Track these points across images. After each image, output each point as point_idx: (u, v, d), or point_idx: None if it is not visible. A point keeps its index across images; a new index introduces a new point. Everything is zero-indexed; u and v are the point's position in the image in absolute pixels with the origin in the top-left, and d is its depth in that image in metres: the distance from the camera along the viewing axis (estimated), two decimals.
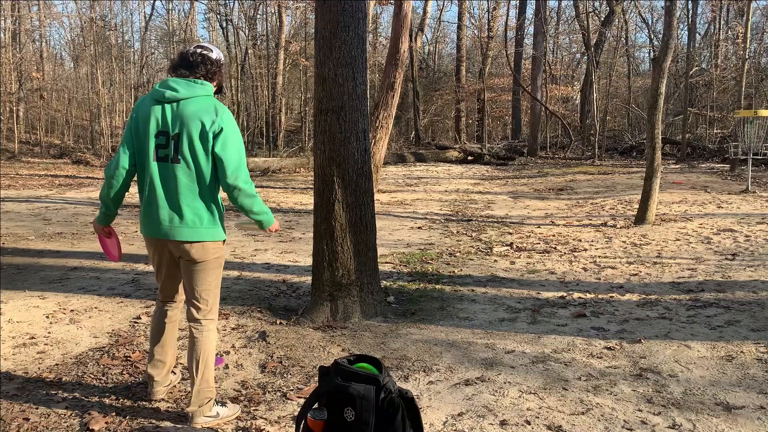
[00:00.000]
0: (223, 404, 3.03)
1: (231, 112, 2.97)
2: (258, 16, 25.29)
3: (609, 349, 3.92)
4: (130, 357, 3.77)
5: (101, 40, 22.09)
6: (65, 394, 3.24)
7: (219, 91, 3.06)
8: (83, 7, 23.27)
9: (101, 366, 3.62)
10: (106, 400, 3.17)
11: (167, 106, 2.81)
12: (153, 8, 27.90)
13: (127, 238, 7.48)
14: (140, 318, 4.48)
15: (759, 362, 3.65)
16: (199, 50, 2.93)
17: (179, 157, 2.79)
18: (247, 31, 25.15)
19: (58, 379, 3.43)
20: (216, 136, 2.78)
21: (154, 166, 2.81)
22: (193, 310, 2.96)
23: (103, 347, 3.93)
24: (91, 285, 5.34)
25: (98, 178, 14.36)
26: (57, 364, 3.65)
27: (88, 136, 21.48)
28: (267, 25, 25.61)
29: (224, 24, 27.12)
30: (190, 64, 2.88)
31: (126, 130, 2.93)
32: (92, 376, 3.48)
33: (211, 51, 2.95)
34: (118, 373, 3.54)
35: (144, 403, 3.15)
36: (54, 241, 7.25)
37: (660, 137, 8.33)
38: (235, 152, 2.82)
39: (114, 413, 3.03)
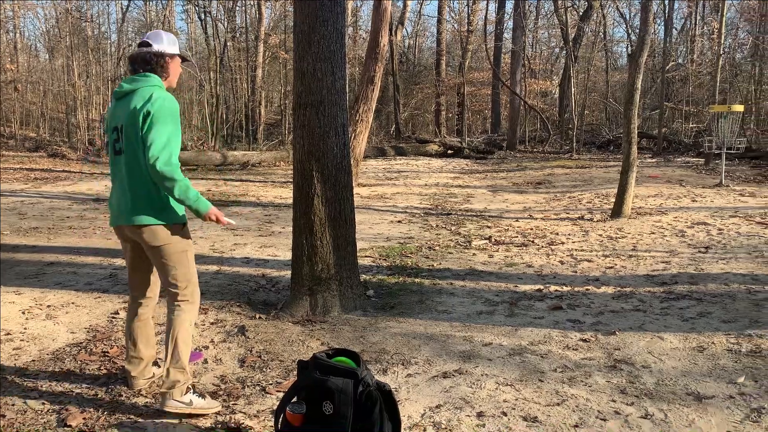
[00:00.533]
0: (202, 396, 3.03)
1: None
2: (237, 9, 25.08)
3: (584, 341, 3.99)
4: (108, 352, 3.75)
5: (77, 32, 21.75)
6: (42, 390, 3.22)
7: (185, 60, 3.22)
8: None
9: (79, 362, 3.60)
10: (84, 396, 3.16)
11: (117, 102, 3.01)
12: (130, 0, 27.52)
13: (105, 232, 7.41)
14: (118, 313, 4.46)
15: (729, 353, 3.74)
16: (138, 50, 3.06)
17: (124, 147, 2.94)
18: (226, 24, 24.93)
19: (34, 376, 3.41)
20: (144, 119, 2.87)
21: (114, 160, 3.03)
22: (169, 295, 3.05)
23: (81, 343, 3.91)
24: (68, 280, 5.29)
25: (75, 172, 14.18)
26: (33, 360, 3.62)
27: (64, 129, 21.17)
28: (246, 18, 25.40)
29: (203, 16, 26.84)
30: (134, 63, 3.04)
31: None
32: (70, 372, 3.46)
33: (149, 45, 3.03)
34: (95, 368, 3.52)
35: (122, 397, 3.15)
36: (30, 235, 7.17)
37: (636, 132, 8.45)
38: (157, 134, 2.83)
39: (92, 408, 3.03)
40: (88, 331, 4.11)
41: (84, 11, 23.37)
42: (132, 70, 3.04)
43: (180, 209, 3.01)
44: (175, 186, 2.83)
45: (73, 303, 4.66)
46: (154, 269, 3.16)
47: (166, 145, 2.83)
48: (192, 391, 2.99)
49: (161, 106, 2.87)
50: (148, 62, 3.00)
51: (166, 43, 3.06)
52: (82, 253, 6.30)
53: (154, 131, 2.83)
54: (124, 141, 2.92)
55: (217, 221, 2.99)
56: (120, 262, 5.95)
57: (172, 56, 3.08)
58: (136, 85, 2.96)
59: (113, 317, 4.39)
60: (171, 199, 2.94)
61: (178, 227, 3.00)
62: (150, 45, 3.02)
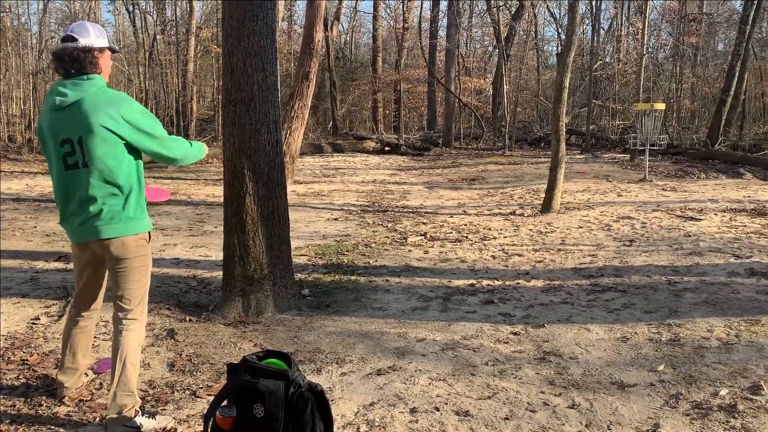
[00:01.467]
0: (152, 416, 2.89)
1: (132, 96, 2.89)
2: (167, 1, 24.37)
3: (515, 334, 4.09)
4: (27, 360, 3.58)
5: None
6: None
7: (113, 51, 2.97)
8: None
9: None
10: (1, 407, 3.00)
11: (63, 112, 2.73)
12: None
13: (25, 234, 7.07)
14: (39, 319, 4.26)
15: (650, 342, 3.91)
16: (63, 45, 2.77)
17: (87, 160, 2.71)
18: (155, 16, 24.19)
19: None
20: (126, 128, 2.74)
21: (66, 176, 2.77)
22: (117, 310, 2.89)
23: None
24: None
25: None
26: None
27: None
28: (177, 10, 24.72)
29: (131, 8, 25.96)
30: (60, 61, 2.75)
31: (40, 141, 2.92)
32: None
33: (75, 39, 2.76)
34: (14, 377, 3.35)
35: (43, 407, 3.01)
36: None
37: (564, 129, 8.70)
38: (156, 135, 2.85)
39: (8, 421, 2.88)
40: (5, 339, 3.91)
41: (1, 2, 22.20)
42: (59, 67, 2.75)
43: (147, 219, 2.90)
44: (194, 153, 3.07)
45: None
46: (105, 282, 3.06)
47: (167, 140, 2.90)
48: (141, 413, 2.85)
49: (130, 107, 2.78)
50: (76, 59, 2.73)
51: (93, 36, 2.80)
52: (0, 256, 5.99)
53: (155, 135, 2.85)
54: (86, 154, 2.70)
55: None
56: (41, 265, 5.69)
57: (101, 50, 2.83)
58: (82, 92, 2.71)
59: (33, 323, 4.19)
60: (138, 208, 2.85)
61: (146, 237, 2.90)
62: (76, 39, 2.76)
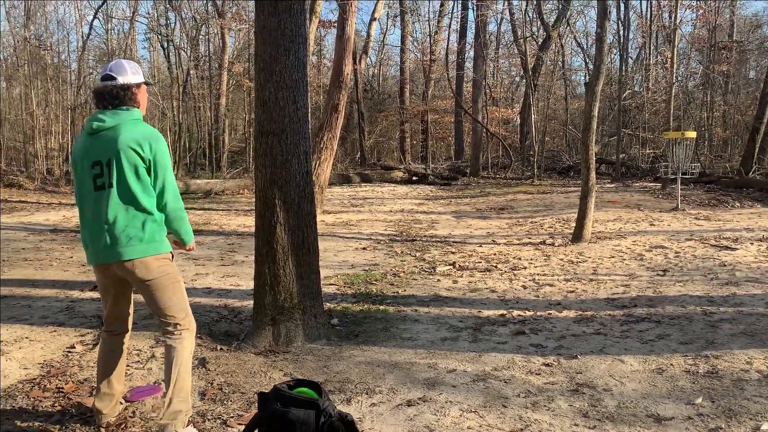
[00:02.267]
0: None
1: (165, 133, 3.01)
2: (200, 37, 25.08)
3: (547, 365, 4.02)
4: (62, 388, 3.63)
5: (36, 60, 21.42)
6: None
7: (148, 84, 3.16)
8: (16, 25, 22.55)
9: (31, 399, 3.48)
10: None
11: (97, 137, 2.90)
12: (91, 27, 27.24)
13: (62, 264, 7.23)
14: (74, 347, 4.33)
15: (687, 374, 3.81)
16: (102, 84, 2.97)
17: (112, 182, 2.85)
18: (189, 52, 24.86)
19: None
20: (149, 154, 2.87)
21: (92, 196, 2.90)
22: (164, 326, 3.00)
23: (34, 379, 3.78)
24: (22, 314, 5.13)
25: (31, 202, 13.85)
26: None
27: (21, 159, 20.69)
28: (210, 46, 25.41)
29: (165, 44, 26.76)
30: (101, 99, 2.95)
31: (72, 167, 3.07)
32: (22, 410, 3.34)
33: (114, 78, 2.95)
34: (49, 405, 3.40)
35: None
36: None
37: (594, 158, 8.66)
38: (167, 173, 2.95)
39: None
40: (42, 367, 3.98)
41: (43, 39, 23.06)
42: (99, 104, 2.94)
43: (167, 242, 3.00)
44: (184, 218, 3.03)
45: (27, 338, 4.52)
46: (132, 302, 3.15)
47: (175, 186, 2.98)
48: (192, 424, 2.95)
49: (162, 146, 2.93)
50: (115, 97, 2.92)
51: (130, 74, 2.99)
52: (38, 285, 6.13)
53: (164, 170, 2.92)
54: (114, 175, 2.84)
55: (189, 250, 3.20)
56: (77, 294, 5.80)
57: (138, 86, 3.03)
58: (119, 119, 2.89)
59: (69, 351, 4.26)
60: (159, 231, 2.95)
61: (168, 256, 2.99)
62: (114, 78, 2.95)
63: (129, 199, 2.86)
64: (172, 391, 2.88)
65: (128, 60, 3.15)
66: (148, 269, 2.89)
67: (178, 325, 2.98)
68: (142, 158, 2.86)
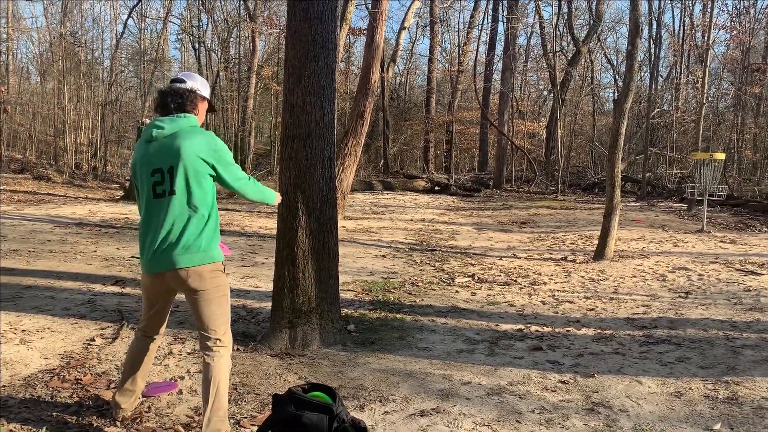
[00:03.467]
0: None
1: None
2: (231, 40, 25.38)
3: (563, 382, 3.98)
4: (81, 380, 3.69)
5: (70, 56, 21.85)
6: (10, 417, 3.15)
7: (211, 110, 3.23)
8: (53, 22, 23.03)
9: (50, 388, 3.54)
10: (54, 424, 3.10)
11: (156, 144, 2.90)
12: (125, 26, 27.70)
13: (86, 257, 7.34)
14: (94, 340, 4.40)
15: (706, 399, 3.75)
16: (171, 85, 3.04)
17: (174, 189, 2.85)
18: (219, 54, 25.18)
19: (3, 402, 3.34)
20: (213, 166, 2.90)
21: (153, 203, 2.90)
22: (204, 340, 2.96)
23: (54, 369, 3.84)
24: (45, 305, 5.22)
25: (59, 195, 14.10)
26: (3, 386, 3.55)
27: (51, 152, 21.09)
28: (240, 49, 25.70)
29: (197, 45, 27.14)
30: (166, 101, 2.98)
31: (132, 175, 3.10)
32: (40, 399, 3.39)
33: (183, 81, 3.03)
34: (67, 395, 3.46)
35: (93, 427, 3.08)
36: (8, 258, 7.08)
37: (620, 176, 8.57)
38: (235, 170, 3.01)
39: None
40: (62, 358, 4.04)
41: (78, 36, 23.52)
42: (160, 105, 2.98)
43: (219, 250, 3.00)
44: (265, 195, 3.21)
45: (48, 328, 4.59)
46: (171, 306, 3.17)
47: (242, 176, 3.05)
48: None
49: (223, 149, 2.95)
50: (180, 95, 2.97)
51: (199, 84, 3.09)
52: (62, 277, 6.23)
53: (226, 165, 2.96)
54: (176, 182, 2.84)
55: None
56: (99, 288, 5.89)
57: (203, 98, 3.09)
58: (178, 126, 2.91)
59: (89, 344, 4.32)
60: (214, 240, 2.96)
61: (221, 267, 2.98)
62: (184, 81, 3.04)
63: (188, 207, 2.86)
64: (210, 410, 2.84)
65: (200, 75, 3.24)
66: (201, 279, 2.88)
67: (218, 341, 2.94)
68: (205, 160, 2.87)
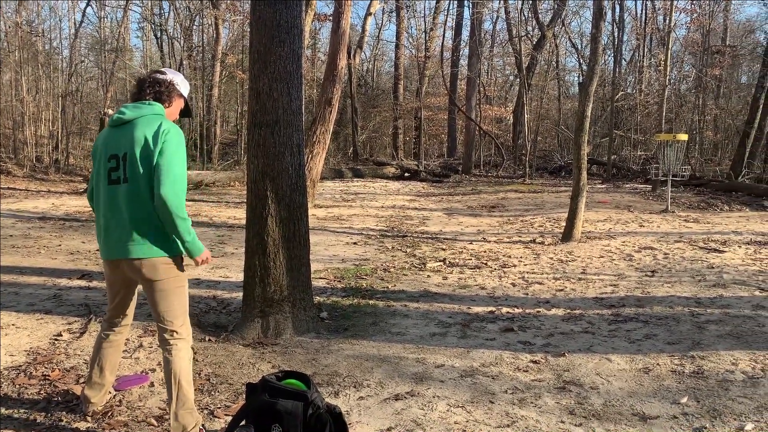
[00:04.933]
0: None
1: (180, 131, 2.91)
2: (194, 27, 24.93)
3: (534, 362, 4.04)
4: (48, 376, 3.61)
5: (27, 46, 21.22)
6: None
7: (186, 114, 3.13)
8: (8, 11, 22.33)
9: (17, 386, 3.46)
10: (21, 421, 3.03)
11: (117, 130, 2.84)
12: (84, 15, 26.98)
13: (50, 251, 7.18)
14: (61, 335, 4.31)
15: (673, 374, 3.84)
16: (151, 74, 2.98)
17: (127, 176, 2.77)
18: (182, 42, 24.72)
19: None
20: (156, 148, 2.74)
21: (107, 190, 2.82)
22: (161, 332, 2.89)
23: (20, 366, 3.75)
24: (9, 301, 5.09)
25: (20, 189, 13.74)
26: None
27: (10, 145, 20.52)
28: (203, 37, 25.26)
29: (159, 34, 26.60)
30: (142, 87, 2.92)
31: (93, 160, 2.98)
32: (7, 397, 3.31)
33: (164, 73, 2.97)
34: (35, 392, 3.38)
35: (62, 422, 3.03)
36: None
37: (585, 158, 8.68)
38: (170, 168, 2.72)
39: None
40: (28, 354, 3.95)
41: (35, 25, 22.85)
42: (137, 90, 2.92)
43: (176, 241, 2.89)
44: (179, 223, 2.76)
45: (13, 324, 4.49)
46: (136, 298, 3.12)
47: (177, 180, 2.74)
48: (204, 430, 2.90)
49: (173, 138, 2.77)
50: (157, 83, 2.91)
51: (180, 80, 3.03)
52: (26, 272, 6.09)
53: (167, 164, 2.72)
54: (128, 170, 2.75)
55: (203, 263, 3.01)
56: (65, 282, 5.77)
57: (180, 95, 3.02)
58: (140, 113, 2.83)
59: (56, 339, 4.23)
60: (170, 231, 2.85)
61: (179, 260, 2.91)
62: (164, 74, 2.98)
63: (142, 195, 2.76)
64: (175, 404, 2.80)
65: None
66: (155, 270, 2.81)
67: (174, 333, 2.88)
68: (154, 145, 2.74)
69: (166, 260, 2.84)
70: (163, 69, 3.03)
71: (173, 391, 2.81)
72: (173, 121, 2.97)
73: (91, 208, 2.95)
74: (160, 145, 2.74)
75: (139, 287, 3.06)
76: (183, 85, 3.05)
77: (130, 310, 3.15)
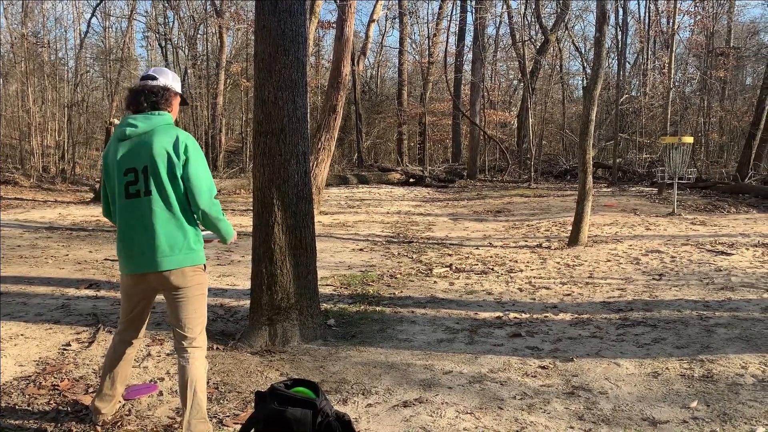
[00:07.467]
0: None
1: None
2: (198, 36, 25.07)
3: (543, 368, 4.03)
4: (57, 386, 3.62)
5: (33, 57, 21.37)
6: None
7: (183, 103, 3.15)
8: (14, 22, 22.49)
9: (26, 396, 3.47)
10: (31, 431, 3.04)
11: (128, 142, 2.84)
12: (89, 25, 27.18)
13: (58, 261, 7.21)
14: (70, 345, 4.32)
15: (682, 378, 3.82)
16: (144, 84, 2.94)
17: (150, 189, 2.79)
18: (187, 51, 24.85)
19: None
20: (180, 159, 2.80)
21: (126, 204, 2.84)
22: (180, 339, 2.91)
23: (29, 376, 3.77)
24: (18, 311, 5.11)
25: (27, 199, 13.81)
26: None
27: (17, 156, 20.64)
28: (208, 45, 25.40)
29: (163, 43, 26.74)
30: (139, 99, 2.90)
31: (102, 174, 2.98)
32: (16, 407, 3.33)
33: (156, 79, 2.95)
34: (44, 402, 3.40)
35: None
36: None
37: (591, 162, 8.67)
38: (202, 177, 2.85)
39: None
40: (37, 364, 3.97)
41: (41, 36, 23.01)
42: (133, 103, 2.90)
43: (202, 250, 2.95)
44: (221, 225, 2.95)
45: (22, 335, 4.50)
46: (150, 308, 3.12)
47: (209, 190, 2.88)
48: None
49: (194, 150, 2.84)
50: (154, 93, 2.89)
51: (171, 79, 3.01)
52: (33, 283, 6.11)
53: (197, 177, 2.82)
54: (150, 182, 2.78)
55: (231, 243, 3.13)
56: (72, 292, 5.79)
57: (176, 94, 3.02)
58: (152, 124, 2.83)
59: (65, 349, 4.25)
60: (197, 239, 2.91)
61: (202, 268, 2.95)
62: (156, 78, 2.95)
63: (168, 206, 2.79)
64: (189, 412, 2.81)
65: (170, 69, 3.15)
66: (184, 278, 2.85)
67: (193, 341, 2.90)
68: (177, 156, 2.78)
69: (194, 268, 2.89)
70: (152, 72, 2.99)
71: (188, 400, 2.82)
72: (175, 118, 3.04)
73: (109, 222, 2.98)
74: (183, 157, 2.79)
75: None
76: (175, 83, 3.03)
77: (144, 325, 3.15)
